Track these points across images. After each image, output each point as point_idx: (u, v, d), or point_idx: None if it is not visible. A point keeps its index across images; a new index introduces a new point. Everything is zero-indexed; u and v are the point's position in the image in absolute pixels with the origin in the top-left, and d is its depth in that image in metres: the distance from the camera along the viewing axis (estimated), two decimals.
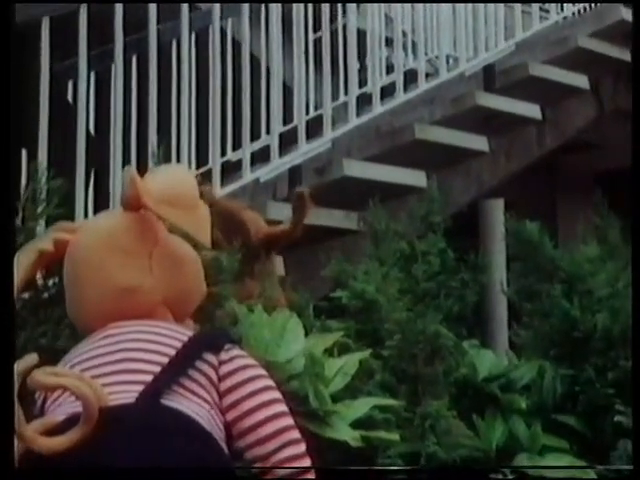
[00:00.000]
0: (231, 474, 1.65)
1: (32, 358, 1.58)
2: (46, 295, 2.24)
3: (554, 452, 2.84)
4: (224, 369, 1.71)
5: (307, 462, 1.70)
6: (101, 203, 3.60)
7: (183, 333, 1.76)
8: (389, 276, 3.00)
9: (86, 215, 3.29)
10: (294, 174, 3.90)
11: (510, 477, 2.64)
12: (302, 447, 1.71)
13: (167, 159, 2.73)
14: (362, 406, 2.46)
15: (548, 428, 2.89)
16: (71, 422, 1.57)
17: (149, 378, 1.65)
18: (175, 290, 1.84)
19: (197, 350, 1.71)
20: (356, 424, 2.40)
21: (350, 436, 2.33)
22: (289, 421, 1.72)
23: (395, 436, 2.48)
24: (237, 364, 1.72)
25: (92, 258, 1.81)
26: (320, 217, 3.69)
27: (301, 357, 2.36)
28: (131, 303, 1.79)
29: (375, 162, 4.11)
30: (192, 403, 1.64)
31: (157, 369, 1.66)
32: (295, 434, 1.71)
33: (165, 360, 1.68)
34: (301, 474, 1.69)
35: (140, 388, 1.63)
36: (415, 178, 4.11)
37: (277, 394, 1.74)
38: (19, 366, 1.57)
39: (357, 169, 4.00)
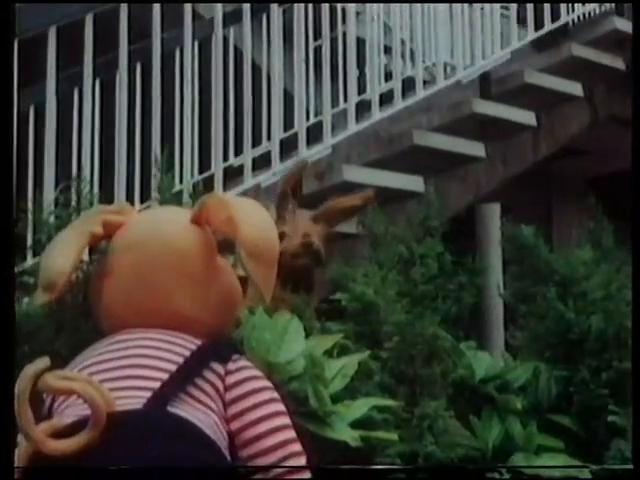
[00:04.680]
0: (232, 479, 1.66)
1: (44, 362, 1.59)
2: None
3: (549, 451, 2.84)
4: (230, 379, 1.72)
5: (307, 474, 1.72)
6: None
7: (192, 342, 1.76)
8: (388, 279, 2.97)
9: None
10: None
11: (506, 476, 2.63)
12: (303, 460, 1.73)
13: (170, 165, 2.77)
14: (361, 406, 2.45)
15: (543, 428, 2.89)
16: (79, 425, 1.58)
17: (157, 385, 1.65)
18: (221, 328, 1.85)
19: (205, 359, 1.71)
20: (355, 424, 2.39)
21: (349, 436, 2.32)
22: (292, 434, 1.74)
23: (394, 436, 2.48)
24: (243, 375, 1.74)
25: (154, 269, 1.78)
26: None
27: (301, 358, 2.35)
28: (178, 326, 1.78)
29: (374, 167, 4.16)
30: (198, 411, 1.65)
31: (165, 376, 1.67)
32: (297, 447, 1.73)
33: (173, 368, 1.69)
34: (296, 476, 1.71)
35: (147, 394, 1.64)
36: (413, 183, 4.14)
37: (281, 406, 1.75)
38: (30, 369, 1.58)
39: (356, 174, 4.03)
